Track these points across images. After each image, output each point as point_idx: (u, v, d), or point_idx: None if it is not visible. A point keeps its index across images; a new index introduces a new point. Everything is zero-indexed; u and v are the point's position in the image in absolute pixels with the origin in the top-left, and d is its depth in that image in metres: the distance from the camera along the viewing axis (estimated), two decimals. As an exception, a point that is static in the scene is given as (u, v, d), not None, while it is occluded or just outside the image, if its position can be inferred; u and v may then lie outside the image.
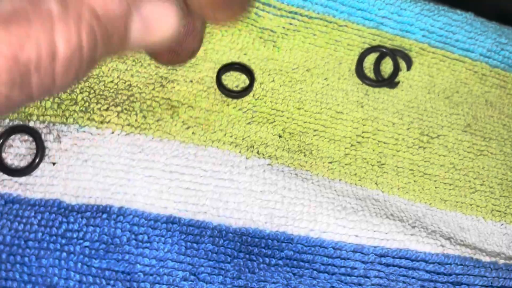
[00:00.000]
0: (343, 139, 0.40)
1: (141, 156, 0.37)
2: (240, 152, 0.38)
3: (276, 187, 0.37)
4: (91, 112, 0.36)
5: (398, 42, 0.46)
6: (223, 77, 0.39)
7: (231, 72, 0.40)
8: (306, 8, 0.42)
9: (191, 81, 0.39)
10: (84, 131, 0.35)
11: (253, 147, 0.38)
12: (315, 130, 0.40)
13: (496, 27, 0.44)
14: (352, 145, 0.40)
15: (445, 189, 0.41)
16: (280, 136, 0.39)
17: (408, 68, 0.43)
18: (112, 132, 0.36)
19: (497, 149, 0.41)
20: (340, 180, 0.40)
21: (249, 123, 0.39)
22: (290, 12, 0.44)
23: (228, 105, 0.39)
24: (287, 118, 0.40)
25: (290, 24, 0.43)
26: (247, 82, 0.40)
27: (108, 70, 0.38)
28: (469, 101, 0.46)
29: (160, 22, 0.17)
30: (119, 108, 0.39)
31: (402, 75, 0.44)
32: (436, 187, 0.41)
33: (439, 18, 0.44)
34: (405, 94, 0.44)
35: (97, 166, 0.35)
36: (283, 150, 0.39)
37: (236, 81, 0.39)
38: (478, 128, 0.42)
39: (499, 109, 0.43)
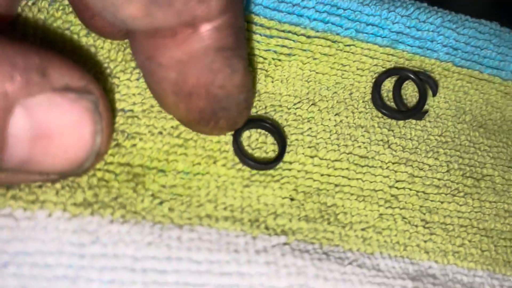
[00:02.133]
0: (373, 194, 0.36)
1: (96, 249, 0.29)
2: (242, 229, 0.32)
3: (306, 278, 0.31)
4: (17, 189, 0.29)
5: (417, 63, 0.41)
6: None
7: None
8: (303, 26, 0.38)
9: (161, 133, 0.33)
10: (4, 215, 0.28)
11: (258, 220, 0.33)
12: (336, 185, 0.35)
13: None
14: (386, 201, 0.36)
15: (505, 246, 0.38)
16: (292, 199, 0.34)
17: (434, 93, 0.40)
18: (49, 215, 0.28)
19: None
20: (381, 253, 0.34)
21: (247, 185, 0.33)
22: (283, 31, 0.38)
23: (215, 162, 0.33)
24: (298, 172, 0.35)
25: (283, 46, 0.37)
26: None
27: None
28: (504, 129, 0.42)
29: (65, 138, 0.13)
30: (58, 185, 0.30)
31: (427, 103, 0.40)
32: (495, 246, 0.37)
33: (463, 31, 0.41)
34: (433, 126, 0.40)
35: (24, 274, 0.27)
36: (299, 219, 0.33)
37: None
38: None
39: None
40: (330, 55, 0.38)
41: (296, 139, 0.35)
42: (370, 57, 0.39)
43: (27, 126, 0.13)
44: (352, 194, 0.35)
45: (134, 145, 0.32)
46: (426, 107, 0.40)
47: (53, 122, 0.13)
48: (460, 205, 0.37)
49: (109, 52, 0.32)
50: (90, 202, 0.29)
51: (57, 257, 0.28)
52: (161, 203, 0.31)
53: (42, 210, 0.28)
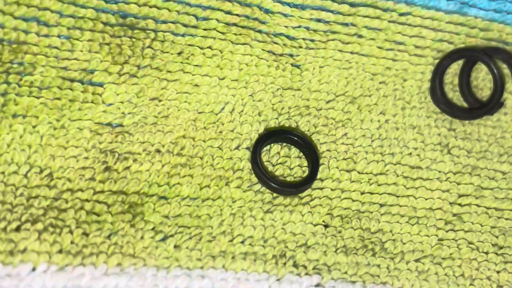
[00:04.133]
0: (430, 214, 0.36)
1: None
2: (265, 269, 0.33)
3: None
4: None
5: (495, 34, 0.39)
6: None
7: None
8: None
9: (159, 151, 0.34)
10: None
11: (285, 255, 0.33)
12: (382, 206, 0.35)
13: None
14: (447, 223, 0.36)
15: None
16: (326, 226, 0.34)
17: (515, 77, 0.39)
18: (33, 269, 0.30)
19: None
20: (440, 292, 0.35)
21: (269, 210, 0.34)
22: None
23: (227, 183, 0.34)
24: (332, 191, 0.35)
25: (318, 21, 0.37)
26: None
27: (8, 148, 0.32)
28: None
29: None
30: (39, 225, 0.31)
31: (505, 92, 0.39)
32: None
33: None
34: (511, 120, 0.39)
35: None
36: (336, 251, 0.34)
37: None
38: None
39: None
40: (380, 29, 0.37)
41: (328, 150, 0.35)
42: (432, 29, 0.38)
43: None
44: (402, 216, 0.35)
45: (127, 167, 0.32)
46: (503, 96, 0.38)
47: None
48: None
49: (89, 52, 0.33)
50: (79, 247, 0.31)
51: None
52: (164, 239, 0.32)
53: (23, 265, 0.30)
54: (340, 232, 0.34)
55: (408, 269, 0.34)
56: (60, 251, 0.31)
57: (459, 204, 0.36)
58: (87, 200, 0.32)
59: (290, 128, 0.35)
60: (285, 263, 0.33)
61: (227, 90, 0.35)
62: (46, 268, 0.30)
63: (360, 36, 0.37)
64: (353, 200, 0.35)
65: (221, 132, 0.34)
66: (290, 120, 0.35)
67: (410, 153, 0.36)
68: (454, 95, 0.38)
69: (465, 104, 0.38)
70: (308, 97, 0.36)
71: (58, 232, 0.31)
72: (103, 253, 0.31)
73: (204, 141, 0.34)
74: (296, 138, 0.35)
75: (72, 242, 0.31)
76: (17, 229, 0.31)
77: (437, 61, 0.38)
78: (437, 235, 0.35)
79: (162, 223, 0.32)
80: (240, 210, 0.33)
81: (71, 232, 0.31)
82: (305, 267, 0.33)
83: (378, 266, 0.34)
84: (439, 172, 0.36)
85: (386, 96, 0.37)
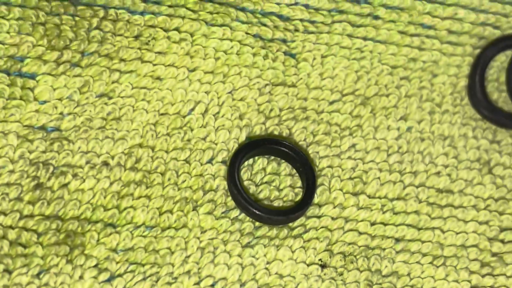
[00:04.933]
0: (462, 253, 0.35)
1: None
2: None
3: None
4: None
5: None
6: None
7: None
8: None
9: (106, 164, 0.33)
10: None
11: None
12: (398, 241, 0.35)
13: None
14: (483, 265, 0.35)
15: None
16: (323, 266, 0.34)
17: None
18: None
19: None
20: None
21: (248, 245, 0.33)
22: None
23: (195, 208, 0.33)
24: (333, 220, 0.34)
25: (318, 4, 0.37)
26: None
27: None
28: None
29: None
30: None
31: None
32: None
33: None
34: None
35: None
36: None
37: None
38: None
39: None
40: (402, 9, 0.38)
41: (330, 166, 0.34)
42: (472, 9, 0.38)
43: None
44: (424, 255, 0.34)
45: (64, 185, 0.32)
46: None
47: None
48: None
49: (18, 34, 0.33)
50: None
51: None
52: (110, 279, 0.31)
53: None
54: (341, 274, 0.33)
55: None
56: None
57: (501, 241, 0.35)
58: (11, 227, 0.31)
59: (280, 137, 0.34)
60: None
61: (198, 86, 0.34)
62: None
63: (376, 18, 0.37)
64: (360, 233, 0.34)
65: (189, 140, 0.33)
66: (280, 126, 0.34)
67: (439, 172, 0.35)
68: (499, 96, 0.37)
69: (514, 109, 0.37)
70: (306, 96, 0.35)
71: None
72: None
73: (166, 152, 0.33)
74: (287, 150, 0.34)
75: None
76: None
77: (477, 51, 0.37)
78: (470, 281, 0.34)
79: (108, 258, 0.31)
80: (211, 244, 0.32)
81: (-14, 269, 0.30)
82: None
83: None
84: (476, 198, 0.35)
85: (409, 97, 0.36)
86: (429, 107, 0.36)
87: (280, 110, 0.35)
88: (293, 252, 0.33)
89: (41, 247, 0.31)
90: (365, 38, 0.36)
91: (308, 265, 0.33)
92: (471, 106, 0.37)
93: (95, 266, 0.31)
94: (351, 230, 0.34)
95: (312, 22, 0.36)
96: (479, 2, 0.38)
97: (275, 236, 0.33)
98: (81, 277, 0.31)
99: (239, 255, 0.32)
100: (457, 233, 0.35)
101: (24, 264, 0.30)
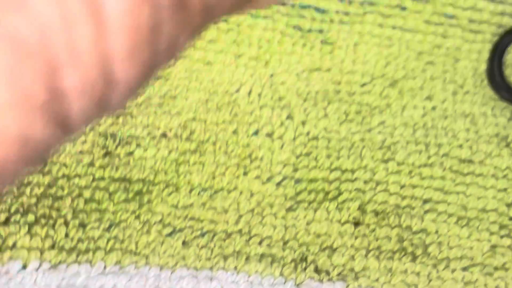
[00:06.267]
0: (483, 216, 0.35)
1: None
2: (282, 273, 0.34)
3: None
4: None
5: None
6: None
7: None
8: None
9: (165, 135, 0.35)
10: None
11: (305, 259, 0.34)
12: (425, 201, 0.35)
13: None
14: (502, 227, 0.35)
15: None
16: (356, 224, 0.34)
17: None
18: (24, 267, 0.32)
19: None
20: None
21: (291, 208, 0.34)
22: None
23: (245, 173, 0.34)
24: (365, 183, 0.35)
25: None
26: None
27: None
28: None
29: None
30: (30, 217, 0.32)
31: None
32: None
33: None
34: None
35: None
36: (367, 255, 0.34)
37: None
38: None
39: None
40: (426, 1, 0.37)
41: (361, 139, 0.35)
42: (491, 0, 0.37)
43: None
44: (450, 216, 0.35)
45: (130, 153, 0.33)
46: None
47: None
48: None
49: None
50: (74, 242, 0.32)
51: None
52: (172, 233, 0.33)
53: (13, 261, 0.32)
54: (373, 231, 0.34)
55: (453, 278, 0.34)
56: (52, 247, 0.32)
57: None
58: (85, 187, 0.33)
59: None
60: (305, 268, 0.33)
61: (244, 70, 0.35)
62: (38, 265, 0.32)
63: (404, 9, 0.37)
64: (391, 194, 0.34)
65: (236, 115, 0.34)
66: (317, 106, 0.35)
67: (461, 145, 0.36)
68: None
69: (530, 90, 0.36)
70: (340, 80, 0.36)
71: (51, 224, 0.32)
72: (100, 250, 0.32)
73: (217, 124, 0.34)
74: None
75: (66, 236, 0.32)
76: (6, 221, 0.32)
77: (496, 38, 0.37)
78: (490, 241, 0.35)
79: (170, 214, 0.33)
80: (260, 206, 0.34)
81: (66, 223, 0.32)
82: (328, 272, 0.33)
83: (417, 274, 0.33)
84: (495, 168, 0.36)
85: (434, 79, 0.37)
86: (452, 88, 0.36)
87: (316, 93, 0.36)
88: (328, 213, 0.34)
89: (112, 204, 0.33)
90: (393, 27, 0.36)
91: (342, 224, 0.34)
92: (490, 88, 0.37)
93: (160, 221, 0.33)
94: (382, 191, 0.34)
95: (346, 14, 0.36)
96: None
97: (313, 199, 0.34)
98: (147, 231, 0.33)
99: (283, 217, 0.34)
100: (478, 198, 0.35)
101: (97, 219, 0.32)
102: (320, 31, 0.36)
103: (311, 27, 0.36)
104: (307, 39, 0.36)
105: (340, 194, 0.34)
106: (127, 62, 0.15)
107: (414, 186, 0.35)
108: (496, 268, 0.34)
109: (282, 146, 0.35)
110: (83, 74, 0.15)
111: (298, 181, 0.34)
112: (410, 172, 0.35)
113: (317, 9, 0.36)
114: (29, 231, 0.32)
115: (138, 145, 0.34)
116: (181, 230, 0.33)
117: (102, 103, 0.16)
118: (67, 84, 0.14)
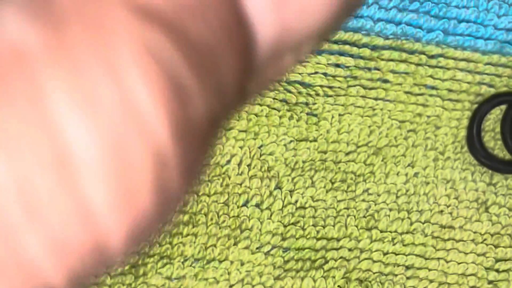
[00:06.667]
0: (463, 281, 0.36)
1: None
2: None
3: None
4: None
5: None
6: None
7: None
8: (365, 31, 0.38)
9: None
10: None
11: None
12: (407, 268, 0.36)
13: None
14: None
15: None
16: None
17: None
18: None
19: None
20: None
21: (279, 276, 0.35)
22: (336, 42, 0.38)
23: (235, 243, 0.36)
24: (350, 251, 0.36)
25: (337, 66, 0.38)
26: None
27: None
28: None
29: None
30: None
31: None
32: None
33: None
34: None
35: None
36: None
37: None
38: None
39: None
40: (407, 74, 0.38)
41: (346, 208, 0.36)
42: (469, 71, 0.38)
43: None
44: (431, 282, 0.35)
45: None
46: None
47: None
48: None
49: None
50: None
51: None
52: None
53: None
54: None
55: None
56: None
57: (496, 270, 0.36)
58: None
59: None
60: None
61: (234, 142, 0.36)
62: None
63: (385, 81, 0.38)
64: (374, 261, 0.35)
65: (227, 185, 0.35)
66: (303, 175, 0.37)
67: (442, 211, 0.37)
68: (495, 144, 0.38)
69: (508, 156, 0.38)
70: (326, 149, 0.37)
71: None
72: None
73: (208, 195, 0.35)
74: None
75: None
76: None
77: (475, 106, 0.38)
78: None
79: (164, 286, 0.34)
80: (250, 275, 0.35)
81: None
82: None
83: None
84: (475, 233, 0.37)
85: (415, 146, 0.37)
86: (433, 155, 0.37)
87: (303, 162, 0.37)
88: (314, 281, 0.35)
89: (109, 278, 0.34)
90: (376, 98, 0.37)
91: None
92: (470, 154, 0.37)
93: None
94: (366, 259, 0.35)
95: (330, 87, 0.37)
96: (475, 65, 0.38)
97: (300, 267, 0.35)
98: None
99: (271, 287, 0.35)
100: (459, 263, 0.36)
101: None
102: (306, 104, 0.37)
103: (297, 100, 0.37)
104: (293, 111, 0.37)
105: (326, 262, 0.35)
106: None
107: (396, 253, 0.36)
108: None
109: (270, 216, 0.36)
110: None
111: (286, 249, 0.35)
112: (393, 239, 0.36)
113: (303, 84, 0.37)
114: None
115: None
116: None
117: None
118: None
